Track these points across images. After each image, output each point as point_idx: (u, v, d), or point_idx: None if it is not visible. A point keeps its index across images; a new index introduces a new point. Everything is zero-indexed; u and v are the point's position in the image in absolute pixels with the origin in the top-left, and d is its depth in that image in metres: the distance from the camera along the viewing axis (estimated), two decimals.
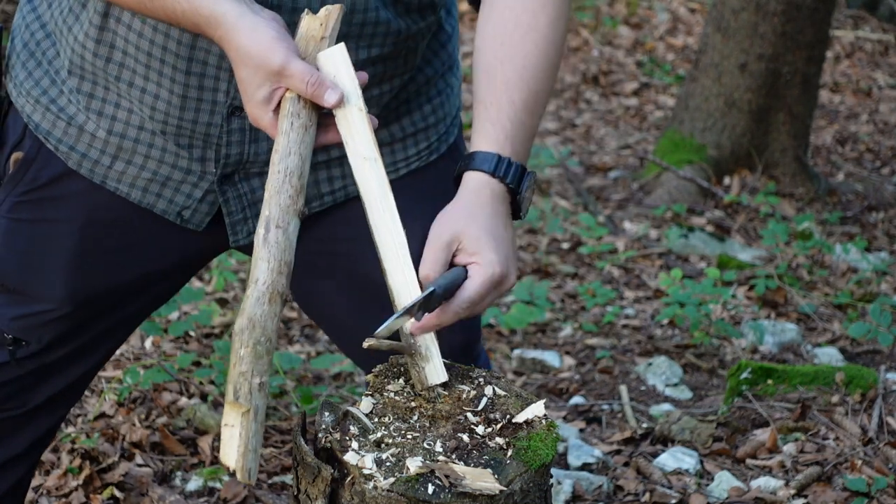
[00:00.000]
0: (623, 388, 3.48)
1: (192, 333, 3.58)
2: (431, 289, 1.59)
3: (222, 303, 3.85)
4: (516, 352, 3.71)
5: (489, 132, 1.74)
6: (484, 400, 1.63)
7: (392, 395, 1.62)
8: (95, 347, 2.04)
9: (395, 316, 1.58)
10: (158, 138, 1.84)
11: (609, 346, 3.82)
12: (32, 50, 1.89)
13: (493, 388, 1.65)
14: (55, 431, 2.14)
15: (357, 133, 1.65)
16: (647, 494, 2.84)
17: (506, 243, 1.68)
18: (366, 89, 1.69)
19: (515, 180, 1.72)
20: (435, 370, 1.64)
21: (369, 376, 1.67)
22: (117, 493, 2.71)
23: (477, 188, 1.71)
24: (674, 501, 2.81)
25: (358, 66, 1.70)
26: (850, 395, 3.29)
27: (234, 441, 1.45)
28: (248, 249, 1.84)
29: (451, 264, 1.66)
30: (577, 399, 3.43)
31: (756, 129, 5.45)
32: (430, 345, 1.64)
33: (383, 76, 1.84)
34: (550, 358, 3.68)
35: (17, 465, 2.10)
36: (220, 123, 1.81)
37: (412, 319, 1.60)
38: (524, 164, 1.74)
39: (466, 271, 1.64)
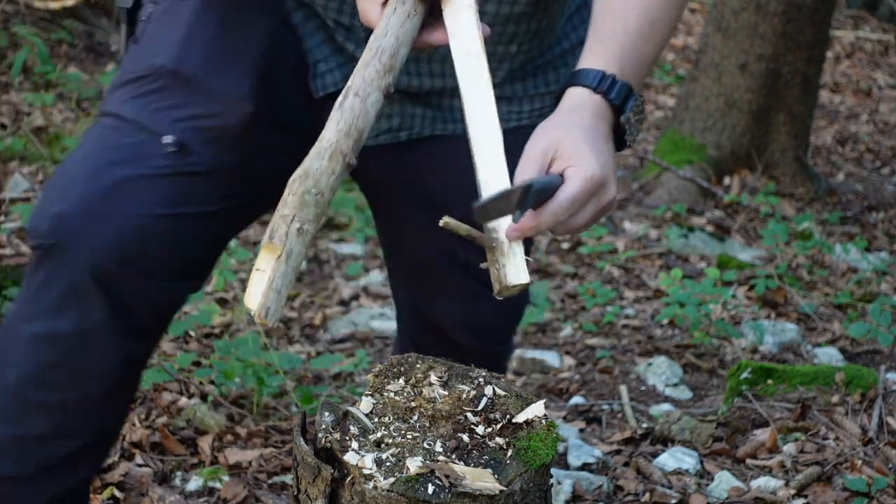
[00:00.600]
0: (623, 388, 3.48)
1: (192, 333, 3.57)
2: (530, 182, 1.50)
3: (222, 303, 3.85)
4: (516, 352, 3.71)
5: (597, 51, 1.65)
6: (484, 400, 1.63)
7: (392, 395, 1.62)
8: (246, 210, 1.90)
9: (496, 193, 1.49)
10: None
11: (609, 346, 3.82)
12: None
13: (493, 388, 1.65)
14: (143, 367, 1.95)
15: (464, 29, 1.62)
16: (647, 494, 2.84)
17: (606, 154, 1.57)
18: (497, 44, 1.66)
19: (620, 98, 1.62)
20: (517, 269, 1.53)
21: (369, 376, 1.67)
22: (117, 493, 2.71)
23: (577, 104, 1.62)
24: (674, 501, 2.80)
25: (495, 21, 1.71)
26: (850, 395, 3.29)
27: (261, 284, 1.41)
28: None
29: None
30: (577, 399, 3.43)
31: (756, 129, 5.45)
32: (513, 242, 1.55)
33: (514, 36, 1.80)
34: (550, 358, 3.68)
35: (117, 407, 1.91)
36: None
37: (510, 219, 1.52)
38: (632, 86, 1.64)
39: (563, 178, 1.54)
